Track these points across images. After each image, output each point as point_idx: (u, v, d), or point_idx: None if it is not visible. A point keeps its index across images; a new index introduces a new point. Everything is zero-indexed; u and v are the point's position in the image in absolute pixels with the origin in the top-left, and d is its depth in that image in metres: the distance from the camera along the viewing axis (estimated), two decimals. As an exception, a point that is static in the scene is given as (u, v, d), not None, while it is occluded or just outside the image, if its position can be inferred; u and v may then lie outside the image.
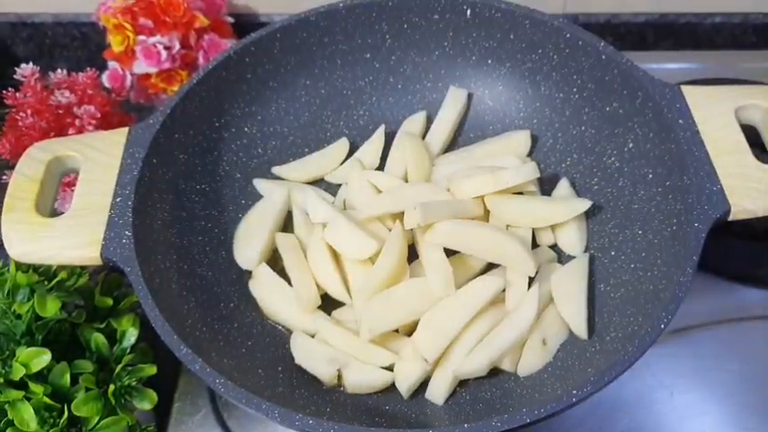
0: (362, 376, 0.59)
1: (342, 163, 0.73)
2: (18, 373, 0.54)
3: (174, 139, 0.65)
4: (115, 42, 0.80)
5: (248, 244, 0.67)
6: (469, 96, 0.75)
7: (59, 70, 0.77)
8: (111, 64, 0.83)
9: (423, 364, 0.57)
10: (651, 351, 0.49)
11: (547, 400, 0.48)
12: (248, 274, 0.66)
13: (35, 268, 0.61)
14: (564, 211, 0.64)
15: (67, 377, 0.56)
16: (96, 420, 0.56)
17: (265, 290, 0.64)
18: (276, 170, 0.72)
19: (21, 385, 0.55)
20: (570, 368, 0.57)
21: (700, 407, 0.64)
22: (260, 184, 0.71)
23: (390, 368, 0.59)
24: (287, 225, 0.70)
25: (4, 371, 0.55)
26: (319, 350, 0.60)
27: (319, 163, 0.73)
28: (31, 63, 0.76)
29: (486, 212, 0.66)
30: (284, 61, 0.72)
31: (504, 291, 0.61)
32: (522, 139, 0.71)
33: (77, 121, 0.74)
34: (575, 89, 0.69)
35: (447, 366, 0.58)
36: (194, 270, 0.63)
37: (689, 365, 0.66)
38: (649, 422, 0.63)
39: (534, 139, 0.72)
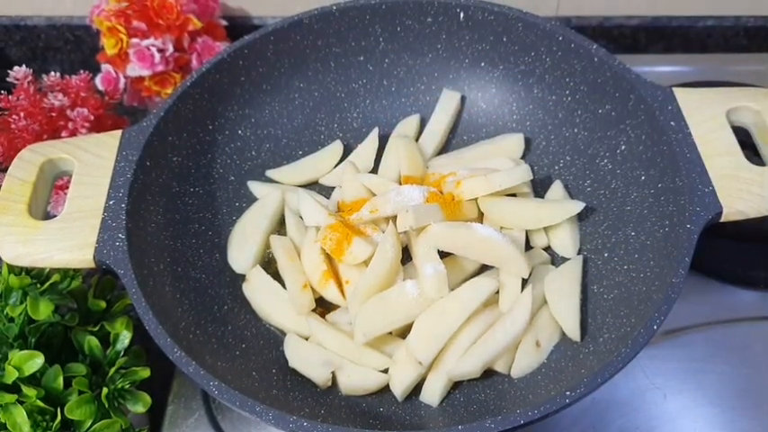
0: (357, 379, 0.59)
1: (336, 166, 0.73)
2: (11, 376, 0.54)
3: (168, 141, 0.65)
4: (108, 45, 0.80)
5: (242, 247, 0.67)
6: (462, 99, 0.75)
7: (52, 73, 0.77)
8: (105, 67, 0.83)
9: (417, 367, 0.57)
10: (644, 352, 0.50)
11: (540, 402, 0.48)
12: (242, 276, 0.66)
13: (28, 271, 0.60)
14: (557, 212, 0.65)
15: (60, 380, 0.56)
16: (89, 424, 0.55)
17: (259, 293, 0.64)
18: (270, 173, 0.72)
19: (13, 388, 0.55)
20: (563, 369, 0.57)
21: (692, 408, 0.64)
22: (254, 187, 0.71)
23: (385, 370, 0.59)
24: (280, 228, 0.70)
25: (-4, 374, 0.55)
26: (313, 353, 0.60)
27: (313, 166, 0.73)
28: (24, 66, 0.76)
29: (480, 214, 0.66)
30: (278, 64, 0.72)
31: (497, 292, 0.61)
32: (515, 142, 0.72)
33: (70, 124, 0.74)
34: (567, 91, 0.69)
35: (441, 369, 0.58)
36: (188, 273, 0.63)
37: (681, 366, 0.66)
38: (642, 423, 0.63)
39: (527, 142, 0.72)
